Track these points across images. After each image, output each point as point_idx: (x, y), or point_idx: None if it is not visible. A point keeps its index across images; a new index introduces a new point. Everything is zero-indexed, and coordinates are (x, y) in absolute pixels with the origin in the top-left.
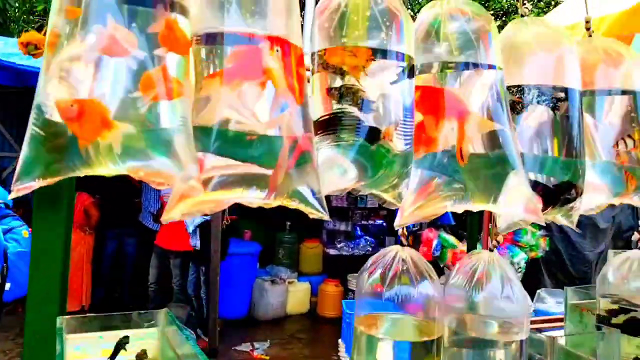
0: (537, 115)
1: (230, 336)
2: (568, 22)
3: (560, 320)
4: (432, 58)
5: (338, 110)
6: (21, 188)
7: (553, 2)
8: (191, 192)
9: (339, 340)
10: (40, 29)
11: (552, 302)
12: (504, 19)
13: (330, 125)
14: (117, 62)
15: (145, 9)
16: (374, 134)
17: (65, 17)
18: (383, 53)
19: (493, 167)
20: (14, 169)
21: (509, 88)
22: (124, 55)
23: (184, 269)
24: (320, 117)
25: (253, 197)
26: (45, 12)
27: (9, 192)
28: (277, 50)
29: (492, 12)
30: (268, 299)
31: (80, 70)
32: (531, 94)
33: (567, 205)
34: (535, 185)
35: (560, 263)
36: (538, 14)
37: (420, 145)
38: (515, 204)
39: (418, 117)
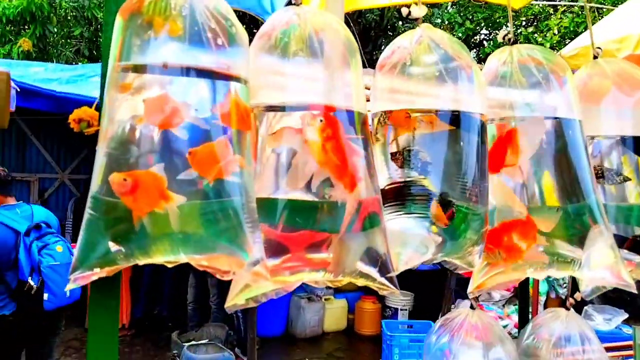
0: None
1: (269, 355)
2: (617, 35)
3: (615, 349)
4: (503, 110)
5: (408, 180)
6: (79, 277)
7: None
8: (257, 279)
9: None
10: (77, 52)
11: (600, 319)
12: (535, 24)
13: (399, 196)
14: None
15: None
16: (445, 202)
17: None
18: (454, 115)
19: (574, 226)
20: (56, 189)
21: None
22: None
23: (222, 288)
24: (387, 186)
25: (320, 278)
26: (82, 36)
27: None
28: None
29: (523, 18)
30: (305, 316)
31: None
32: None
33: None
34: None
35: None
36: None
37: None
38: (600, 268)
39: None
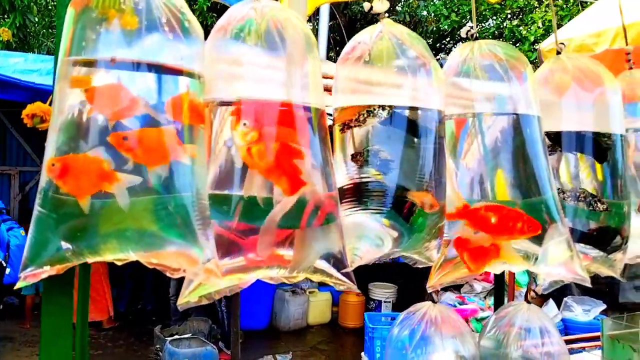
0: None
1: (252, 348)
2: (595, 29)
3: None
4: (462, 106)
5: (364, 178)
6: (30, 275)
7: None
8: (209, 276)
9: (362, 354)
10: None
11: (579, 310)
12: (520, 17)
13: (356, 194)
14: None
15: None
16: (402, 198)
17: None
18: (412, 111)
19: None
20: (37, 183)
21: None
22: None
23: None
24: (345, 185)
25: (275, 274)
26: None
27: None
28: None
29: (509, 10)
30: (289, 310)
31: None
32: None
33: (612, 254)
34: (580, 234)
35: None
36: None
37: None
38: (556, 264)
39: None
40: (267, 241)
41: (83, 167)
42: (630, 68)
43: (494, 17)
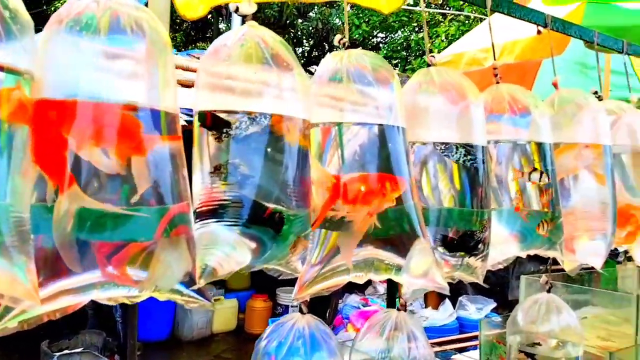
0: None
1: None
2: (485, 45)
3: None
4: (332, 115)
5: (221, 188)
6: None
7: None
8: (26, 301)
9: None
10: None
11: (473, 308)
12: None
13: (212, 205)
14: None
15: None
16: (260, 209)
17: None
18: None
19: (391, 231)
20: None
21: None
22: None
23: None
24: (202, 196)
25: (117, 294)
26: None
27: None
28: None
29: (415, 23)
30: (192, 319)
31: None
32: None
33: (474, 261)
34: (442, 239)
35: None
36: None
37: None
38: (417, 273)
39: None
40: (100, 257)
41: None
42: (497, 82)
43: (402, 29)
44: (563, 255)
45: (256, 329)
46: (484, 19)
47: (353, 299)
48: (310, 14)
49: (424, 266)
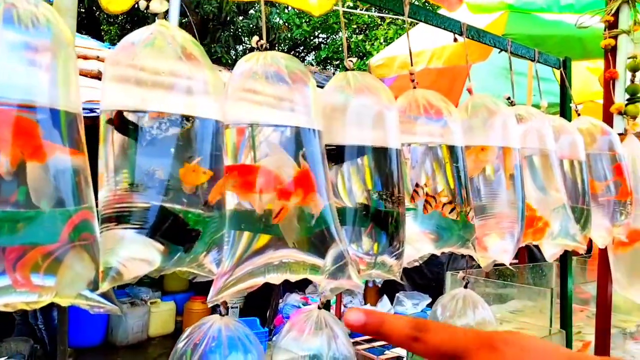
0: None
1: None
2: (415, 49)
3: None
4: (247, 116)
5: (127, 191)
6: None
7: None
8: None
9: None
10: None
11: (410, 304)
12: (366, 32)
13: (118, 208)
14: None
15: None
16: (168, 212)
17: None
18: (184, 118)
19: (312, 234)
20: None
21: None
22: None
23: None
24: (107, 199)
25: (15, 300)
26: None
27: None
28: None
29: (355, 25)
30: (127, 323)
31: None
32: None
33: (388, 257)
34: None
35: (416, 266)
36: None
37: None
38: (333, 272)
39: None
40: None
41: None
42: (414, 87)
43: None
44: (476, 253)
45: None
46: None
47: (293, 298)
48: (251, 11)
49: (339, 265)
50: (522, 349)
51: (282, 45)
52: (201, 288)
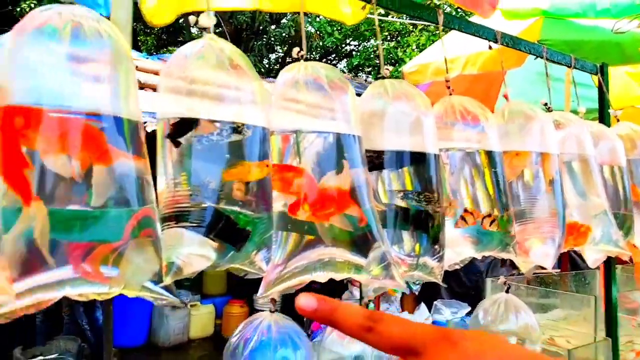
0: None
1: None
2: (449, 56)
3: None
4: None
5: (184, 192)
6: None
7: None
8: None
9: None
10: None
11: (448, 312)
12: (398, 39)
13: (176, 208)
14: None
15: None
16: (218, 213)
17: None
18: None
19: (355, 235)
20: None
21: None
22: None
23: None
24: (166, 199)
25: (88, 291)
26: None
27: None
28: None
29: (386, 32)
30: (169, 324)
31: None
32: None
33: (429, 259)
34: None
35: (454, 273)
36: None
37: None
38: (377, 272)
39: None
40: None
41: None
42: (450, 94)
43: (374, 37)
44: (517, 257)
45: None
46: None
47: None
48: (283, 20)
49: (382, 266)
50: (482, 344)
51: (314, 53)
52: (238, 292)
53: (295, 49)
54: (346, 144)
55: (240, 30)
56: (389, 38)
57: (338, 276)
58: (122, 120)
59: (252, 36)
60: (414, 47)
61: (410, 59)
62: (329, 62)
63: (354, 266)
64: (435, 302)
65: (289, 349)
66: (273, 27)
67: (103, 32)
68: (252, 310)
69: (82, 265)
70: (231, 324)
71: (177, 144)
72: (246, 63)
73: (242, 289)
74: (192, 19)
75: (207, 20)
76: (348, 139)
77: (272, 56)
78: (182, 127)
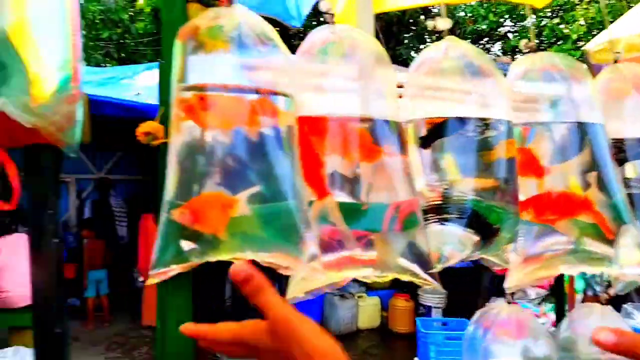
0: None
1: None
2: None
3: None
4: (527, 115)
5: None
6: (158, 274)
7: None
8: (314, 274)
9: (415, 359)
10: (107, 55)
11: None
12: (561, 14)
13: (437, 201)
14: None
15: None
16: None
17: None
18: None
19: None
20: (93, 189)
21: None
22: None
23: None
24: (428, 204)
25: (369, 274)
26: (110, 39)
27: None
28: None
29: (548, 9)
30: (338, 314)
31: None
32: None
33: None
34: None
35: None
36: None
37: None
38: (631, 264)
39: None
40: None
41: (208, 207)
42: None
43: (533, 16)
44: None
45: (400, 328)
46: (631, 1)
47: (500, 303)
48: (434, 9)
49: (637, 257)
50: None
51: (466, 38)
52: (402, 286)
53: (524, 40)
54: (591, 132)
55: (390, 24)
56: (550, 15)
57: (590, 270)
58: (388, 122)
59: (402, 29)
60: (582, 21)
61: (577, 35)
62: (481, 46)
63: (607, 259)
64: (624, 306)
65: (530, 338)
66: (422, 17)
67: (360, 43)
68: (417, 305)
69: (357, 250)
70: (397, 317)
71: (429, 143)
72: (485, 58)
73: (406, 283)
74: (430, 23)
75: (444, 23)
76: (593, 128)
77: (423, 47)
78: (432, 126)
